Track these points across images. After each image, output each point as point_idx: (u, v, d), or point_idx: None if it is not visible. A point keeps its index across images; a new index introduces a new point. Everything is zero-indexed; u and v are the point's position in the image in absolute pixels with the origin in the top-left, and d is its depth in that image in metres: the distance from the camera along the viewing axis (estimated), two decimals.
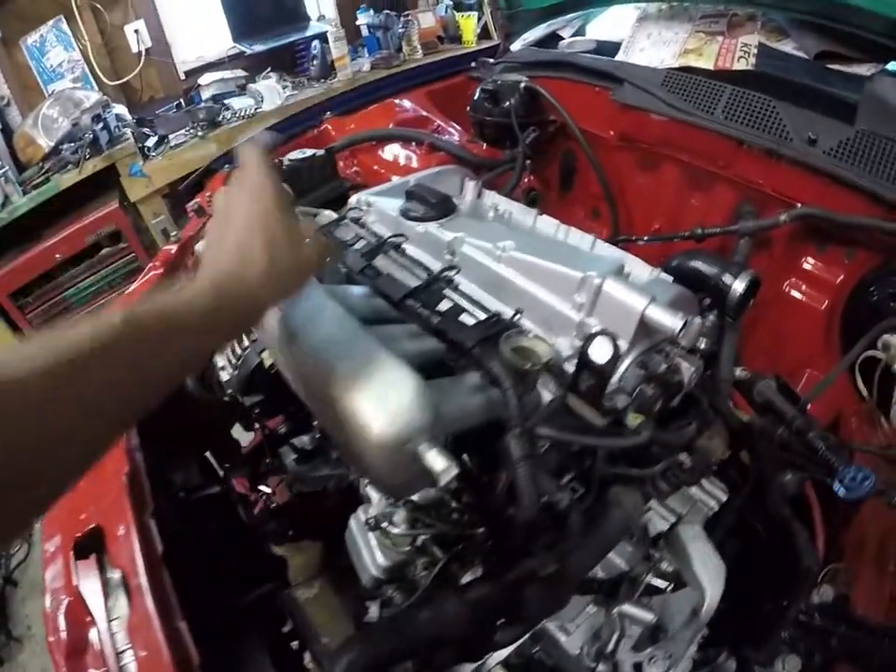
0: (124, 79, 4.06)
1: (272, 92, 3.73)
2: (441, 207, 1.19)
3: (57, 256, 3.45)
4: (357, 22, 4.07)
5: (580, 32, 2.15)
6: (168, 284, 0.67)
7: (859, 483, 0.96)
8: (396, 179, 1.47)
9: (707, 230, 1.40)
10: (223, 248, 0.65)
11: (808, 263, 1.50)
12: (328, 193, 1.66)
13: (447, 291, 0.98)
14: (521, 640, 0.88)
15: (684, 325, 0.80)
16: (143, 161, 3.45)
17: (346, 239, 1.24)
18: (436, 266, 1.10)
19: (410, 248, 1.19)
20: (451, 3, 4.12)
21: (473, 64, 2.19)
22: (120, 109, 3.87)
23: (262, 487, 1.74)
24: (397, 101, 2.17)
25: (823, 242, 1.46)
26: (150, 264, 1.72)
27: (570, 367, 0.86)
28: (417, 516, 0.99)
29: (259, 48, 4.24)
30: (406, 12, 4.03)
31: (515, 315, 0.90)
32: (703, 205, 1.62)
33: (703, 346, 1.23)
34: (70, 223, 3.47)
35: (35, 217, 3.41)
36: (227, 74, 4.05)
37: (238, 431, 1.64)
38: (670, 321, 0.80)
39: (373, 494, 1.10)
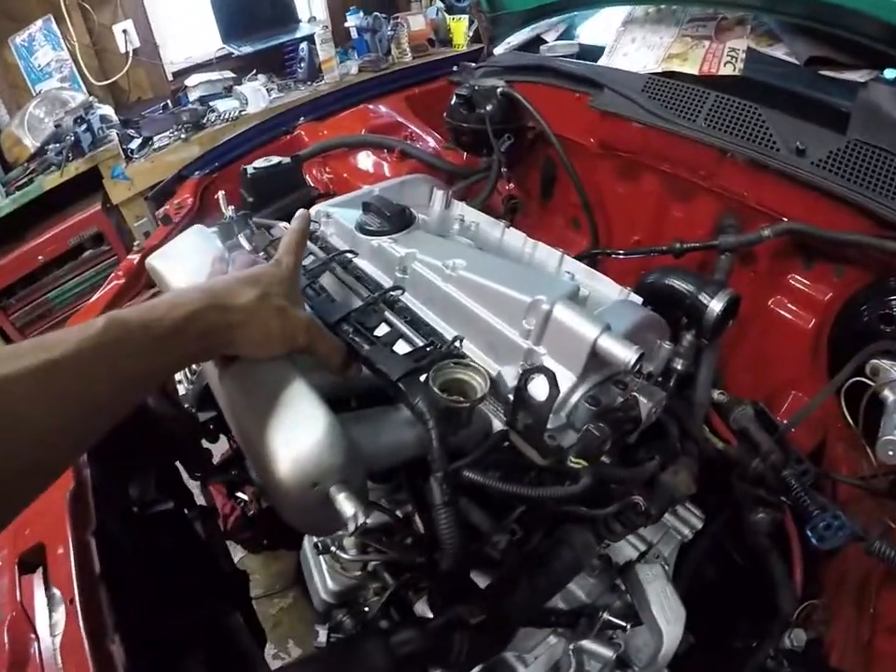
0: (112, 80, 4.01)
1: (256, 95, 3.67)
2: (397, 220, 1.12)
3: (40, 257, 3.43)
4: (346, 24, 4.01)
5: (565, 36, 2.07)
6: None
7: (833, 532, 0.89)
8: (362, 189, 1.40)
9: (686, 244, 1.33)
10: (222, 282, 0.70)
11: (795, 280, 1.42)
12: (293, 202, 1.59)
13: (387, 314, 0.90)
14: None
15: (639, 358, 0.72)
16: (125, 164, 3.40)
17: None
18: (387, 284, 1.04)
19: (363, 264, 1.12)
20: (442, 6, 4.06)
21: (455, 68, 2.12)
22: (107, 110, 3.81)
23: (240, 494, 1.71)
24: (371, 106, 2.11)
25: (811, 258, 1.38)
26: (112, 274, 1.66)
27: None
28: (367, 541, 0.94)
29: (247, 49, 4.19)
30: (396, 14, 3.97)
31: (454, 342, 0.83)
32: (685, 217, 1.54)
33: (679, 367, 1.17)
34: (53, 225, 3.45)
35: (19, 219, 3.38)
36: (215, 75, 3.99)
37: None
38: (623, 353, 0.73)
39: None
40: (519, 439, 0.75)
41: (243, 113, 3.65)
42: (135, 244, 1.77)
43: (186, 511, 1.47)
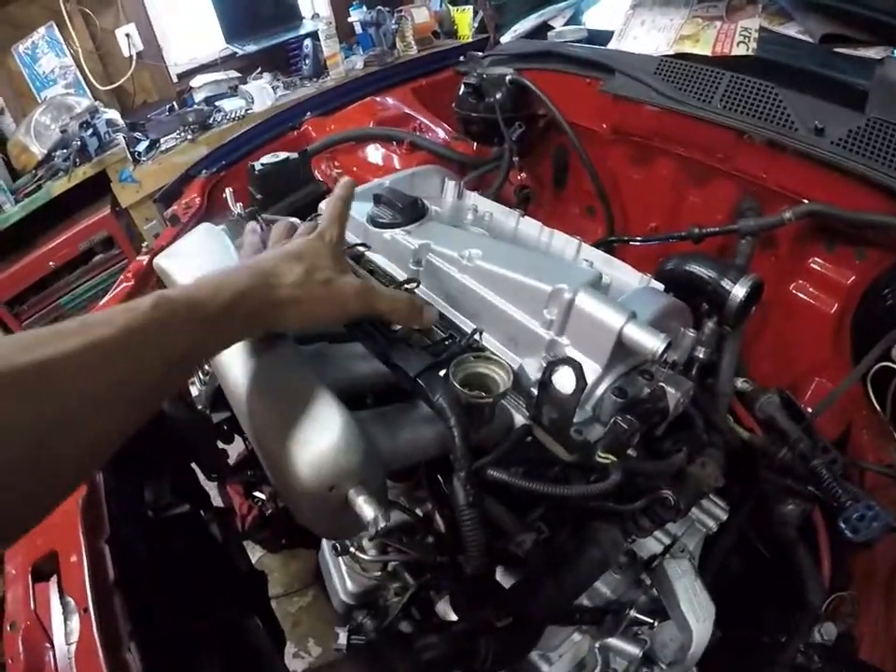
0: (116, 84, 4.00)
1: (262, 93, 3.64)
2: (410, 212, 1.09)
3: (51, 263, 3.42)
4: (350, 19, 3.98)
5: (572, 21, 2.03)
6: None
7: (868, 523, 0.85)
8: (372, 182, 1.37)
9: (704, 229, 1.29)
10: (267, 259, 0.69)
11: (816, 264, 1.39)
12: (302, 198, 1.56)
13: None
14: None
15: (667, 346, 0.69)
16: (133, 167, 3.39)
17: None
18: (401, 277, 1.02)
19: (376, 258, 1.10)
20: None
21: (462, 58, 2.09)
22: (113, 114, 3.80)
23: (257, 494, 1.69)
24: (378, 99, 2.08)
25: (832, 240, 1.35)
26: (122, 276, 1.65)
27: None
28: (387, 542, 0.92)
29: (251, 48, 4.16)
30: (399, 8, 3.94)
31: (473, 335, 0.80)
32: (702, 202, 1.51)
33: (701, 356, 1.14)
34: (63, 230, 3.45)
35: (29, 225, 3.38)
36: (219, 75, 3.97)
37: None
38: (650, 342, 0.70)
39: None
40: (544, 434, 0.72)
41: (249, 112, 3.62)
42: (143, 245, 1.76)
43: (202, 513, 1.46)
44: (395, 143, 1.82)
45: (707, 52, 1.56)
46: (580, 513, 0.83)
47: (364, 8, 3.88)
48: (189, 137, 3.49)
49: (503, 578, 0.90)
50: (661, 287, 0.99)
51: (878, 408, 1.16)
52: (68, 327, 0.50)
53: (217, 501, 1.64)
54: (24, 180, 3.51)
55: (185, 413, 1.36)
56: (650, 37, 1.69)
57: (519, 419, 0.81)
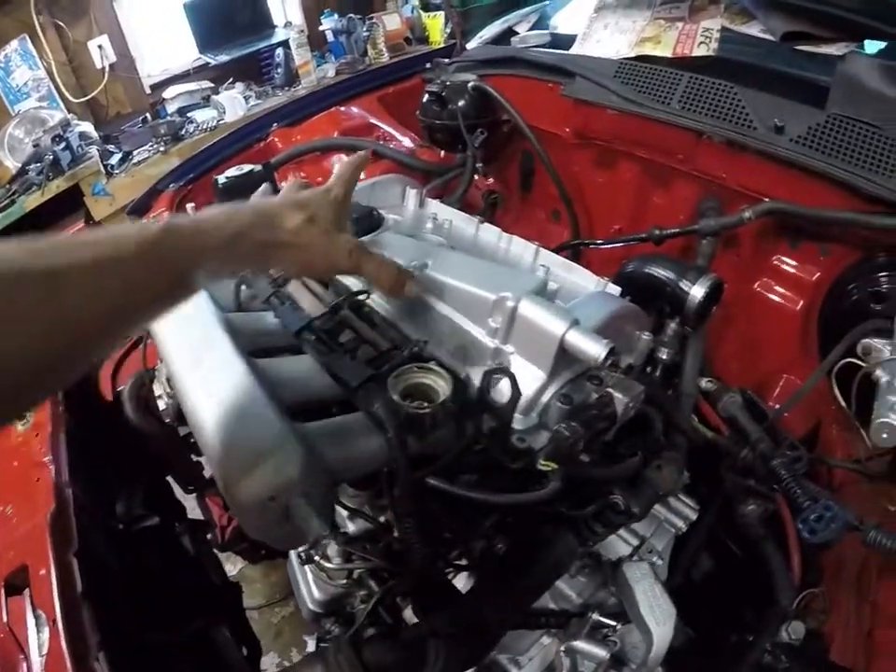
0: (90, 96, 3.97)
1: (234, 103, 3.63)
2: (365, 223, 1.09)
3: None
4: (321, 28, 3.97)
5: (538, 26, 2.03)
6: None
7: (825, 524, 0.85)
8: None
9: (665, 230, 1.29)
10: (272, 204, 0.72)
11: (781, 261, 1.39)
12: None
13: (351, 319, 0.87)
14: None
15: (609, 352, 0.69)
16: (106, 180, 3.37)
17: None
18: (356, 288, 1.01)
19: None
20: (417, 3, 4.02)
21: (428, 66, 2.09)
22: (86, 127, 3.77)
23: None
24: (343, 109, 2.07)
25: (796, 238, 1.35)
26: None
27: None
28: (351, 549, 0.92)
29: (224, 58, 4.15)
30: (371, 15, 3.93)
31: (415, 345, 0.80)
32: (665, 204, 1.51)
33: (664, 357, 1.14)
34: None
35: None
36: (192, 86, 3.96)
37: None
38: (592, 348, 0.69)
39: None
40: (489, 442, 0.71)
41: (221, 122, 3.62)
42: None
43: (175, 525, 1.45)
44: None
45: (668, 54, 1.56)
46: (533, 519, 0.83)
47: (335, 16, 3.88)
48: (162, 149, 3.48)
49: (462, 584, 0.89)
50: (617, 290, 0.99)
51: (843, 404, 1.15)
52: (82, 239, 0.53)
53: (196, 513, 1.62)
54: None
55: (154, 426, 1.35)
56: (612, 40, 1.69)
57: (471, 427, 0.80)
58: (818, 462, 1.18)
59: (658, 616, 0.90)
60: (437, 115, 1.75)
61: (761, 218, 1.23)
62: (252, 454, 0.63)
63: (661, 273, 1.09)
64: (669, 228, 1.30)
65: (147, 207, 1.93)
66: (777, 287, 1.40)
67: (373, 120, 2.00)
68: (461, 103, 1.70)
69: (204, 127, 3.57)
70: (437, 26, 3.87)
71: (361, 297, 0.90)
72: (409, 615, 0.97)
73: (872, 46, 1.54)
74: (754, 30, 1.63)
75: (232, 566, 2.23)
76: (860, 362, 1.09)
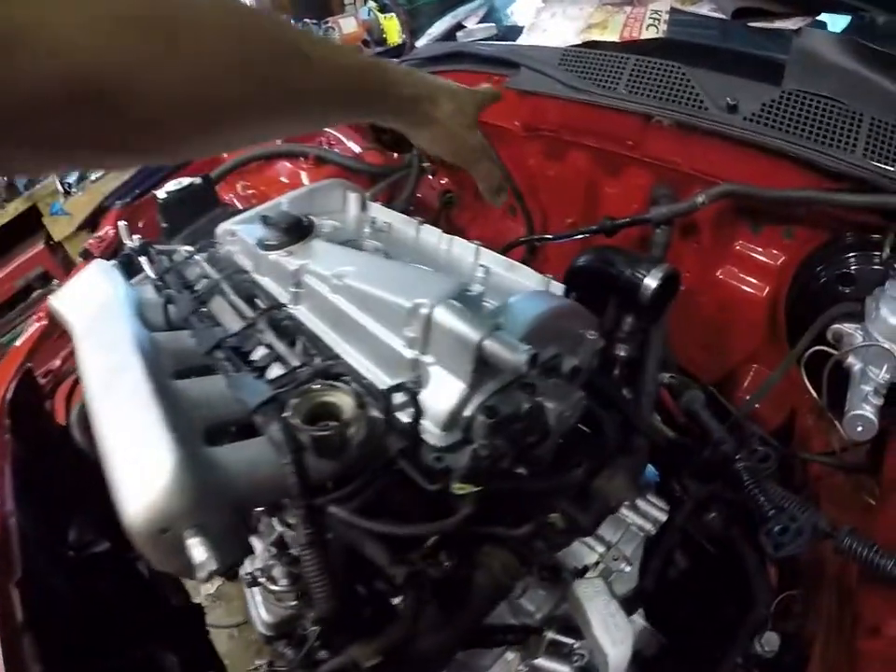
0: None
1: None
2: (294, 232, 1.02)
3: None
4: None
5: (487, 19, 1.97)
6: None
7: (791, 536, 0.78)
8: (269, 202, 1.30)
9: (616, 221, 1.23)
10: (435, 84, 0.84)
11: (743, 247, 1.34)
12: (207, 224, 1.48)
13: (267, 335, 0.80)
14: None
15: (531, 358, 0.62)
16: (64, 199, 3.30)
17: (190, 280, 1.08)
18: (285, 300, 0.95)
19: (265, 282, 1.03)
20: (374, 5, 3.95)
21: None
22: None
23: None
24: None
25: (757, 221, 1.30)
26: (35, 316, 1.59)
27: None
28: (295, 571, 0.86)
29: None
30: (327, 19, 3.85)
31: (326, 361, 0.73)
32: (618, 193, 1.45)
33: (623, 354, 1.09)
34: None
35: None
36: None
37: None
38: (511, 356, 0.62)
39: (257, 544, 0.96)
40: (406, 463, 0.65)
41: None
42: (54, 282, 1.69)
43: (131, 549, 1.40)
44: (301, 158, 1.75)
45: (616, 38, 1.50)
46: (465, 542, 0.76)
47: (291, 21, 3.80)
48: None
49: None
50: (560, 288, 0.93)
51: (815, 394, 1.09)
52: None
53: None
54: None
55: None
56: (559, 29, 1.63)
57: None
58: (790, 457, 1.12)
59: (614, 635, 0.83)
60: None
61: (716, 203, 1.18)
62: (144, 483, 0.60)
63: (612, 265, 1.03)
64: (622, 218, 1.24)
65: (94, 225, 1.87)
66: (741, 274, 1.35)
67: None
68: None
69: None
70: (394, 27, 3.77)
71: (278, 311, 0.83)
72: None
73: (828, 17, 1.49)
74: (704, 9, 1.58)
75: (210, 583, 2.15)
76: (830, 350, 1.03)
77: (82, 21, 0.38)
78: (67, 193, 3.30)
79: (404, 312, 0.71)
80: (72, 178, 3.33)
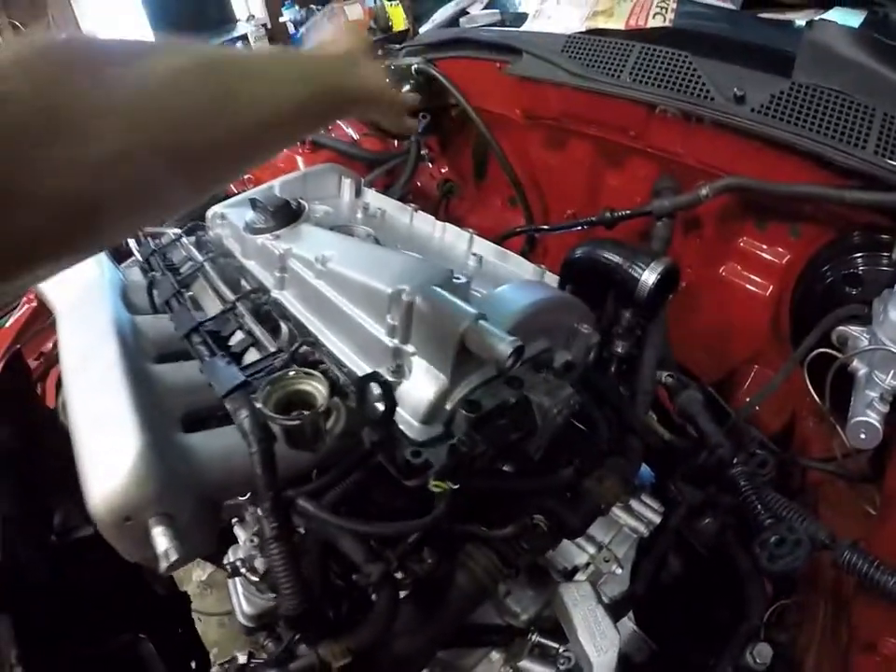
0: None
1: None
2: (281, 215, 0.99)
3: None
4: (281, 19, 3.87)
5: (491, 6, 1.93)
6: None
7: (788, 548, 0.74)
8: (261, 186, 1.27)
9: (617, 212, 1.19)
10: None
11: (747, 244, 1.30)
12: (198, 207, 1.46)
13: (245, 319, 0.77)
14: None
15: (516, 351, 0.58)
16: None
17: (174, 262, 1.04)
18: (271, 284, 0.92)
19: (251, 266, 1.00)
20: None
21: (379, 52, 1.98)
22: None
23: None
24: None
25: (763, 217, 1.26)
26: (25, 297, 1.57)
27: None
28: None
29: None
30: (332, 5, 3.83)
31: (299, 347, 0.70)
32: (620, 185, 1.41)
33: (620, 351, 1.06)
34: None
35: None
36: None
37: None
38: (497, 346, 0.59)
39: (240, 534, 0.96)
40: (381, 456, 0.61)
41: None
42: None
43: None
44: (298, 143, 1.71)
45: (621, 26, 1.45)
46: (450, 540, 0.73)
47: (296, 8, 3.76)
48: None
49: None
50: (554, 280, 0.89)
51: (818, 398, 1.05)
52: (193, 46, 0.49)
53: None
54: None
55: None
56: (563, 15, 1.58)
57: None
58: (789, 462, 1.08)
59: (599, 643, 0.79)
60: None
61: (720, 196, 1.14)
62: (108, 468, 0.59)
63: (609, 257, 1.01)
64: (623, 210, 1.20)
65: None
66: (744, 272, 1.32)
67: None
68: (405, 87, 1.60)
69: None
70: (400, 14, 3.73)
71: (258, 295, 0.80)
72: None
73: (838, 12, 1.44)
74: None
75: (202, 570, 2.13)
76: (835, 352, 0.99)
77: None
78: None
79: (385, 298, 0.68)
80: None
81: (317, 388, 0.60)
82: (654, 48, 1.24)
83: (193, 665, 1.30)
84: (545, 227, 1.30)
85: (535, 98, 1.42)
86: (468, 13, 1.89)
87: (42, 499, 1.23)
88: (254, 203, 1.04)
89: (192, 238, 1.13)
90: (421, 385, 0.64)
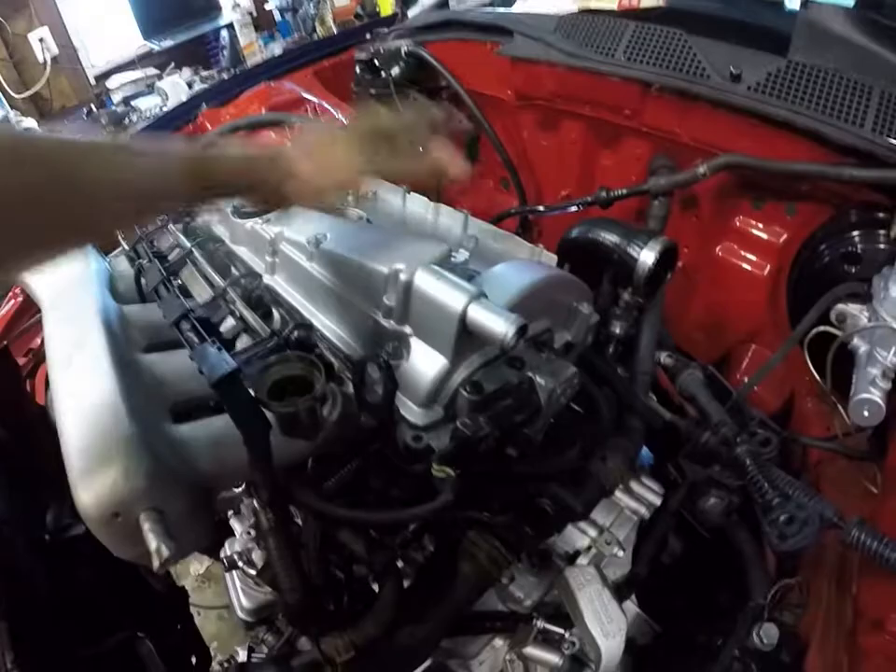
0: (32, 90, 3.80)
1: (176, 88, 3.52)
2: None
3: None
4: (267, 7, 3.83)
5: None
6: None
7: (797, 527, 0.73)
8: None
9: (613, 192, 1.17)
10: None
11: (744, 223, 1.29)
12: None
13: (237, 305, 0.75)
14: None
15: (519, 329, 0.57)
16: None
17: (162, 250, 1.02)
18: (261, 269, 0.90)
19: (240, 251, 0.98)
20: None
21: (368, 36, 1.96)
22: (30, 122, 3.62)
23: None
24: (273, 84, 1.93)
25: (759, 196, 1.25)
26: (11, 292, 1.53)
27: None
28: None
29: (168, 43, 4.02)
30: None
31: (293, 331, 0.68)
32: (615, 165, 1.40)
33: (618, 331, 1.04)
34: None
35: None
36: (137, 74, 3.83)
37: None
38: (498, 325, 0.57)
39: (236, 527, 0.95)
40: (381, 442, 0.60)
41: (164, 108, 3.48)
42: None
43: None
44: (287, 128, 1.68)
45: (614, 7, 1.44)
46: (452, 526, 0.72)
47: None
48: None
49: None
50: (553, 259, 0.88)
51: (818, 377, 1.04)
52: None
53: None
54: None
55: None
56: None
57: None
58: (791, 441, 1.07)
59: (606, 627, 0.78)
60: (370, 83, 1.64)
61: (718, 174, 1.13)
62: (96, 463, 0.57)
63: (607, 237, 0.99)
64: (619, 190, 1.18)
65: None
66: (741, 251, 1.31)
67: (305, 94, 1.86)
68: (396, 70, 1.58)
69: (148, 114, 3.44)
70: (388, 0, 3.71)
71: (249, 280, 0.78)
72: None
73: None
74: None
75: (200, 564, 2.11)
76: (834, 330, 0.98)
77: None
78: None
79: (382, 278, 0.66)
80: None
81: (313, 373, 0.58)
82: (649, 26, 1.23)
83: (193, 660, 1.27)
84: (540, 208, 1.28)
85: (527, 79, 1.40)
86: None
87: (34, 498, 1.21)
88: None
89: (179, 224, 1.11)
90: (420, 368, 0.62)
